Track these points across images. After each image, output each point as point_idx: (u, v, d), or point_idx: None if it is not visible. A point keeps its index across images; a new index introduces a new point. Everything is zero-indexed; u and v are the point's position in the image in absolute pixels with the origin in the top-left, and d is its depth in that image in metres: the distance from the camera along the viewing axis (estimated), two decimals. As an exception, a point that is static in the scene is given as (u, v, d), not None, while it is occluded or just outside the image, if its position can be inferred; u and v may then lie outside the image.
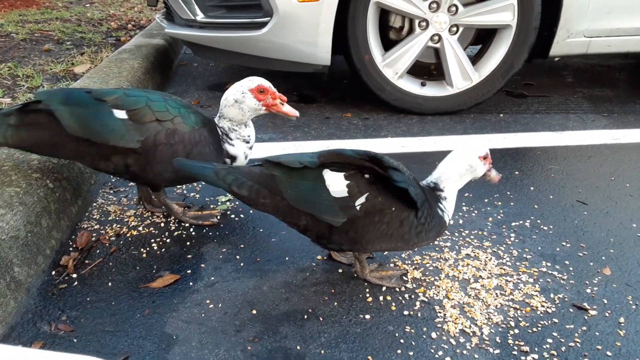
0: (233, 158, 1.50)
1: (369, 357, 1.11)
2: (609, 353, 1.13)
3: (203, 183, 1.74)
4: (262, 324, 1.20)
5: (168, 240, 1.51)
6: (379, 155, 1.19)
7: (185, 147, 1.41)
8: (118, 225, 1.57)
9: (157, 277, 1.35)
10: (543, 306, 1.27)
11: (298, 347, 1.13)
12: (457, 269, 1.40)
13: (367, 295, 1.30)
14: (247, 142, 1.51)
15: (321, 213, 1.15)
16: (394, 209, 1.17)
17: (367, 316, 1.23)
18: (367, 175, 1.17)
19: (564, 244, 1.52)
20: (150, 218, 1.62)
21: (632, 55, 3.27)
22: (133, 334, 1.16)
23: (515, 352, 1.13)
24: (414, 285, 1.33)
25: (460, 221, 1.63)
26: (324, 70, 2.42)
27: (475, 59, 2.57)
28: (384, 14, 2.50)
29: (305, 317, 1.22)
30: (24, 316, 1.20)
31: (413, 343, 1.15)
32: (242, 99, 1.43)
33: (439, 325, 1.20)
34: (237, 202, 1.69)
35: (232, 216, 1.64)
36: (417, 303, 1.27)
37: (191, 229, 1.56)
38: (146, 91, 1.46)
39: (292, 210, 1.18)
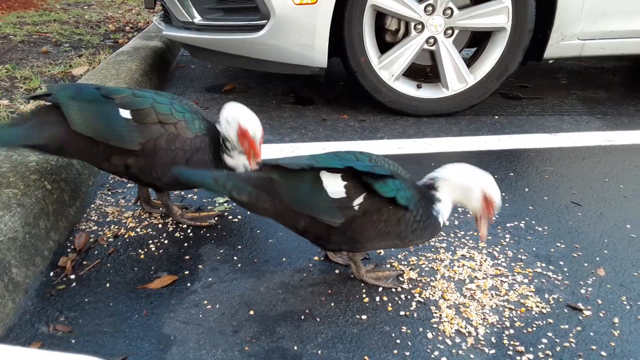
0: (231, 169, 1.48)
1: (366, 357, 1.12)
2: (603, 353, 1.14)
3: (200, 185, 1.75)
4: (259, 325, 1.21)
5: (166, 242, 1.52)
6: (364, 168, 1.16)
7: (185, 154, 1.40)
8: (116, 227, 1.58)
9: (155, 278, 1.36)
10: (538, 306, 1.28)
11: (295, 348, 1.14)
12: (453, 269, 1.41)
13: (364, 295, 1.31)
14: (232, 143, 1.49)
15: (320, 214, 1.17)
16: (391, 207, 1.18)
17: (364, 316, 1.24)
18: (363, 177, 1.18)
19: (558, 244, 1.54)
20: (148, 219, 1.62)
21: (626, 57, 3.30)
22: (131, 334, 1.17)
23: (510, 352, 1.14)
24: (410, 286, 1.34)
25: (456, 222, 1.64)
26: (321, 73, 2.43)
27: (470, 62, 2.59)
28: (380, 16, 2.52)
29: (302, 317, 1.23)
30: (22, 317, 1.20)
31: (409, 343, 1.16)
32: (230, 126, 1.40)
33: (435, 326, 1.21)
34: (234, 204, 1.70)
35: (230, 217, 1.65)
36: (413, 303, 1.28)
37: (189, 230, 1.57)
38: (156, 93, 1.46)
39: (291, 213, 1.19)
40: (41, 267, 1.33)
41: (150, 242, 1.51)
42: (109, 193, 1.78)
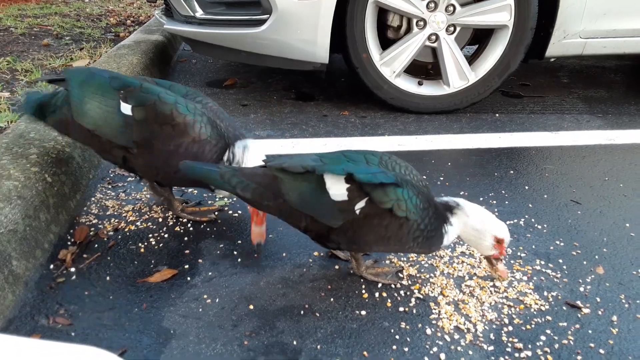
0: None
1: (365, 353, 1.12)
2: (601, 351, 1.14)
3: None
4: (259, 319, 1.21)
5: (166, 236, 1.52)
6: (364, 177, 1.15)
7: (178, 157, 1.36)
8: (116, 220, 1.58)
9: (155, 271, 1.36)
10: (537, 304, 1.28)
11: (294, 342, 1.15)
12: (452, 266, 1.41)
13: (363, 291, 1.31)
14: None
15: (320, 216, 1.17)
16: (392, 214, 1.17)
17: (363, 312, 1.24)
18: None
19: (557, 242, 1.54)
20: (148, 213, 1.62)
21: (627, 56, 3.30)
22: (131, 328, 1.17)
23: (508, 349, 1.15)
24: (410, 282, 1.35)
25: (456, 219, 1.64)
26: (322, 68, 2.43)
27: (471, 59, 2.58)
28: (382, 12, 2.51)
29: (302, 312, 1.24)
30: (22, 309, 1.20)
31: (408, 339, 1.17)
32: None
33: (434, 322, 1.22)
34: (234, 199, 1.70)
35: (230, 212, 1.65)
36: (413, 300, 1.29)
37: (189, 225, 1.57)
38: (171, 86, 1.43)
39: (294, 211, 1.20)
40: (41, 260, 1.33)
41: (150, 235, 1.51)
42: (110, 186, 1.78)
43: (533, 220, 1.65)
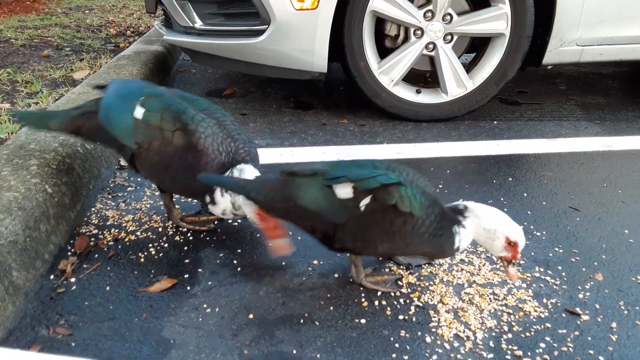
0: (212, 201, 1.41)
1: (364, 361, 1.12)
2: (601, 358, 1.14)
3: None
4: (258, 328, 1.21)
5: (166, 245, 1.52)
6: (364, 185, 1.19)
7: (172, 161, 1.39)
8: (116, 230, 1.58)
9: (155, 281, 1.36)
10: (536, 311, 1.29)
11: (294, 351, 1.15)
12: (452, 274, 1.41)
13: (363, 300, 1.31)
14: (234, 207, 1.40)
15: (327, 213, 1.21)
16: (396, 209, 1.19)
17: (363, 320, 1.24)
18: None
19: (556, 249, 1.54)
20: (148, 223, 1.63)
21: (624, 63, 3.32)
22: (131, 338, 1.17)
23: (508, 357, 1.15)
24: (409, 290, 1.35)
25: (455, 227, 1.65)
26: (321, 78, 2.45)
27: (469, 67, 2.60)
28: (380, 22, 2.54)
29: (302, 321, 1.24)
30: (22, 320, 1.21)
31: (408, 347, 1.17)
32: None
33: (434, 330, 1.22)
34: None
35: (230, 221, 1.65)
36: (412, 308, 1.29)
37: (189, 234, 1.58)
38: (194, 101, 1.46)
39: (302, 212, 1.24)
40: (41, 271, 1.34)
41: (150, 245, 1.52)
42: (110, 197, 1.79)
43: (532, 227, 1.66)
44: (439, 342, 1.18)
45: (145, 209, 1.71)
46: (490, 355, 1.15)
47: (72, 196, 1.60)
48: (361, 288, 1.35)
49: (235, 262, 1.45)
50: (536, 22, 2.44)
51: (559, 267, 1.46)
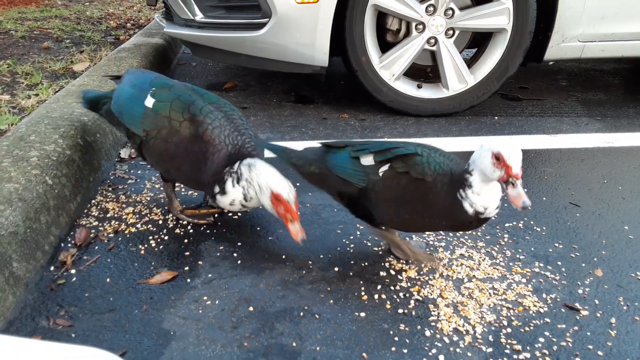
0: (222, 191, 1.42)
1: (364, 354, 1.13)
2: (600, 353, 1.15)
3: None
4: (258, 321, 1.21)
5: (166, 238, 1.52)
6: (380, 157, 1.29)
7: (178, 150, 1.40)
8: (116, 222, 1.58)
9: (155, 273, 1.36)
10: (535, 306, 1.29)
11: (294, 344, 1.15)
12: (451, 268, 1.42)
13: (363, 293, 1.32)
14: (245, 199, 1.41)
15: (351, 178, 1.32)
16: (408, 176, 1.25)
17: (362, 314, 1.25)
18: None
19: (556, 245, 1.54)
20: (148, 215, 1.63)
21: (625, 59, 3.31)
22: (131, 329, 1.17)
23: (507, 351, 1.15)
24: (409, 284, 1.35)
25: (455, 222, 1.65)
26: (322, 72, 2.44)
27: (470, 62, 2.59)
28: (381, 16, 2.53)
29: (301, 314, 1.24)
30: (23, 311, 1.21)
31: (407, 341, 1.17)
32: (262, 193, 1.37)
33: (433, 324, 1.22)
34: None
35: (230, 214, 1.65)
36: (412, 302, 1.29)
37: (189, 227, 1.58)
38: (204, 95, 1.47)
39: (332, 176, 1.36)
40: (42, 262, 1.34)
41: (150, 238, 1.52)
42: (110, 189, 1.79)
43: (532, 222, 1.66)
44: (438, 336, 1.19)
45: (145, 201, 1.71)
46: (489, 350, 1.15)
47: (73, 188, 1.60)
48: (361, 282, 1.36)
49: (235, 254, 1.46)
50: (538, 18, 2.43)
51: (559, 263, 1.46)
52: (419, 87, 2.56)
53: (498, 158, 1.11)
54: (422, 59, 2.68)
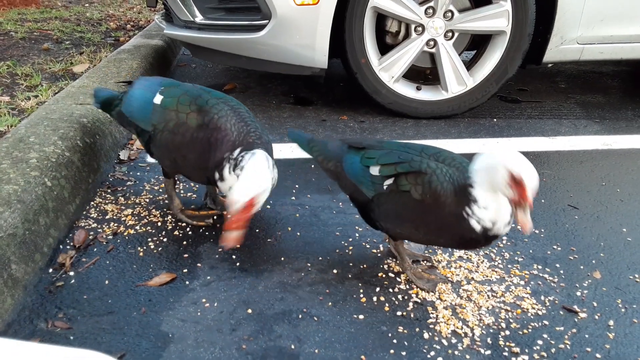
0: (221, 177, 1.40)
1: (363, 357, 1.13)
2: (598, 355, 1.15)
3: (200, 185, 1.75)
4: (257, 323, 1.22)
5: (165, 240, 1.52)
6: (390, 171, 1.25)
7: (184, 139, 1.42)
8: (115, 224, 1.58)
9: (154, 275, 1.36)
10: (534, 308, 1.29)
11: (292, 347, 1.15)
12: (450, 270, 1.42)
13: (361, 295, 1.32)
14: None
15: (360, 184, 1.31)
16: (411, 193, 1.21)
17: (361, 316, 1.25)
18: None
19: (555, 247, 1.55)
20: (147, 217, 1.63)
21: (624, 62, 3.32)
22: (129, 332, 1.17)
23: (505, 353, 1.15)
24: (407, 287, 1.35)
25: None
26: (321, 73, 2.44)
27: (469, 64, 2.60)
28: (381, 18, 2.53)
29: (300, 316, 1.24)
30: (21, 313, 1.21)
31: (406, 343, 1.17)
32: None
33: (432, 326, 1.22)
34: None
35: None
36: (410, 304, 1.29)
37: (188, 229, 1.58)
38: (210, 90, 1.50)
39: (345, 178, 1.35)
40: (40, 264, 1.34)
41: (149, 240, 1.52)
42: (109, 191, 1.79)
43: (530, 225, 1.66)
44: (436, 338, 1.19)
45: (144, 203, 1.71)
46: (488, 352, 1.15)
47: (72, 190, 1.60)
48: (360, 284, 1.36)
49: (234, 257, 1.46)
50: (537, 20, 2.43)
51: (557, 265, 1.46)
52: (418, 89, 2.57)
53: (516, 180, 1.04)
54: (422, 61, 2.68)
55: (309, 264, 1.43)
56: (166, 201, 1.73)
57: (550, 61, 2.57)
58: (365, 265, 1.43)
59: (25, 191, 1.39)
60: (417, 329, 1.21)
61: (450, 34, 2.47)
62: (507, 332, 1.21)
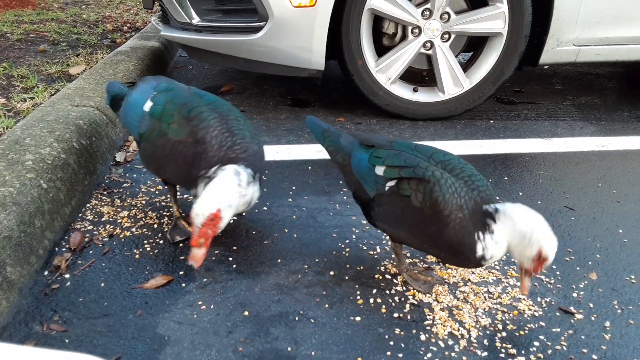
0: (196, 195, 1.36)
1: (359, 359, 1.13)
2: (594, 356, 1.15)
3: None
4: (253, 325, 1.21)
5: (161, 242, 1.52)
6: (394, 174, 1.24)
7: (163, 150, 1.39)
8: (111, 227, 1.58)
9: (150, 278, 1.36)
10: (530, 309, 1.29)
11: (289, 349, 1.15)
12: (446, 272, 1.42)
13: (358, 297, 1.32)
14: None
15: (363, 182, 1.31)
16: (411, 199, 1.20)
17: (358, 318, 1.25)
18: None
19: (551, 248, 1.55)
20: (143, 219, 1.63)
21: (620, 64, 3.33)
22: (125, 334, 1.17)
23: (502, 355, 1.15)
24: (404, 288, 1.35)
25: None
26: (318, 75, 2.44)
27: (466, 66, 2.60)
28: (378, 20, 2.53)
29: (297, 318, 1.24)
30: (16, 316, 1.20)
31: (402, 345, 1.17)
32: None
33: (428, 328, 1.22)
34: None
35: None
36: (407, 306, 1.29)
37: (184, 231, 1.57)
38: (207, 98, 1.44)
39: (351, 174, 1.35)
40: (36, 266, 1.33)
41: (145, 242, 1.51)
42: (105, 193, 1.78)
43: (527, 226, 1.66)
44: (433, 340, 1.19)
45: (140, 205, 1.71)
46: (484, 354, 1.15)
47: (67, 192, 1.60)
48: (356, 286, 1.36)
49: (230, 259, 1.45)
50: (533, 22, 2.44)
51: (554, 266, 1.46)
52: (415, 90, 2.57)
53: (541, 258, 1.13)
54: (418, 63, 2.69)
55: (306, 266, 1.43)
56: (163, 203, 1.73)
57: (546, 63, 2.58)
58: (362, 267, 1.43)
59: (20, 193, 1.39)
60: (414, 331, 1.21)
61: (446, 36, 2.47)
62: (504, 334, 1.21)
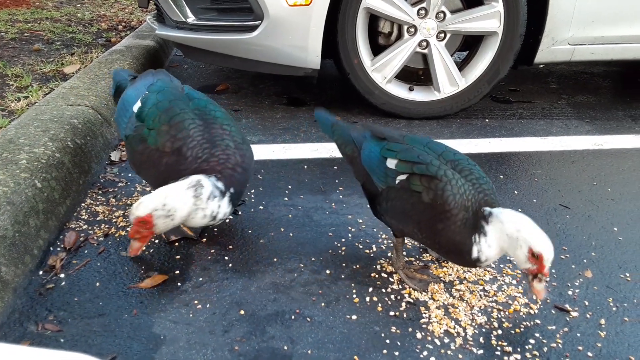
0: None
1: (355, 357, 1.13)
2: (589, 354, 1.16)
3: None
4: (249, 324, 1.21)
5: (157, 241, 1.51)
6: (406, 169, 1.25)
7: (141, 157, 1.39)
8: (106, 226, 1.57)
9: (146, 277, 1.35)
10: (526, 307, 1.29)
11: (285, 347, 1.15)
12: (442, 270, 1.42)
13: (354, 296, 1.32)
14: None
15: (372, 174, 1.31)
16: (422, 195, 1.21)
17: (354, 317, 1.25)
18: None
19: (546, 247, 1.55)
20: (138, 219, 1.62)
21: (615, 63, 3.34)
22: (121, 334, 1.17)
23: (498, 353, 1.15)
24: (400, 287, 1.35)
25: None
26: (314, 74, 2.44)
27: (462, 65, 2.61)
28: (374, 19, 2.53)
29: (293, 317, 1.24)
30: (11, 316, 1.19)
31: (398, 343, 1.17)
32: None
33: (424, 326, 1.22)
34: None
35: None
36: (403, 304, 1.29)
37: (180, 230, 1.57)
38: (198, 101, 1.41)
39: (360, 166, 1.35)
40: (30, 266, 1.33)
41: (141, 241, 1.51)
42: (100, 192, 1.77)
43: (522, 224, 1.67)
44: (429, 338, 1.19)
45: (136, 204, 1.70)
46: (480, 351, 1.15)
47: (62, 191, 1.59)
48: (352, 284, 1.36)
49: (226, 258, 1.45)
50: (529, 21, 2.45)
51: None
52: (411, 89, 2.57)
53: (536, 256, 1.14)
54: (414, 62, 2.69)
55: (302, 265, 1.43)
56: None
57: (541, 62, 2.59)
58: (358, 266, 1.43)
59: (15, 193, 1.38)
60: (410, 329, 1.21)
61: (442, 35, 2.47)
62: (500, 332, 1.21)
